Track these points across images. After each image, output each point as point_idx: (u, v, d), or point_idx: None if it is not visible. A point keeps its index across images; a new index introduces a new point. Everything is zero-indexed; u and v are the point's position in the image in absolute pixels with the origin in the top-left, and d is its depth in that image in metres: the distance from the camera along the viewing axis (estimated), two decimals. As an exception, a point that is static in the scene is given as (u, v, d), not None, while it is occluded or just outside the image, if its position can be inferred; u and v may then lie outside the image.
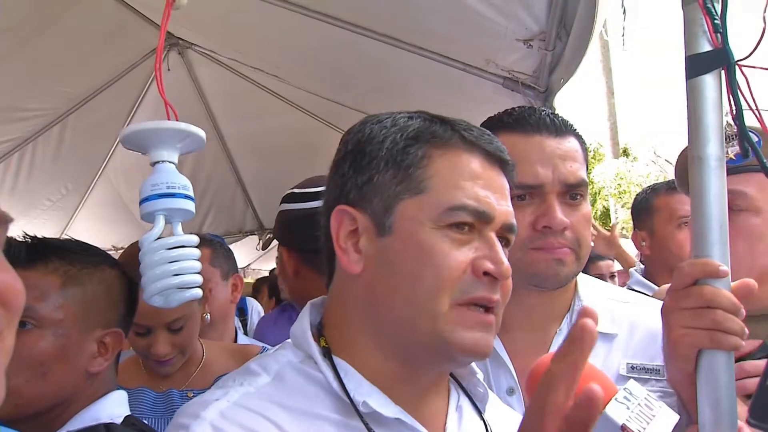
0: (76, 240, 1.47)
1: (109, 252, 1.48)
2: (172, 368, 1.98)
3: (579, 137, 1.39)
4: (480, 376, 1.08)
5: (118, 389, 1.42)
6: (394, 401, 0.95)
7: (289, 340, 1.04)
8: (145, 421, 1.94)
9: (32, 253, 1.31)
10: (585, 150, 1.40)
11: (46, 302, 1.27)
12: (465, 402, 1.07)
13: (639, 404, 0.87)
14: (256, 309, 4.38)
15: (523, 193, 1.32)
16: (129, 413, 1.37)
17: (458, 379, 1.09)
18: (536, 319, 1.40)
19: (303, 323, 1.02)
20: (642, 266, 2.96)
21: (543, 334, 1.40)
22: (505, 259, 0.95)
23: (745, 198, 1.45)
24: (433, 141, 0.98)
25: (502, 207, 0.97)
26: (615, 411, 0.85)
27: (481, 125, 1.45)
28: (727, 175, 0.97)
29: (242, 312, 4.21)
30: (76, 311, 1.30)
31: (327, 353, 0.97)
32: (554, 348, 1.37)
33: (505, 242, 0.99)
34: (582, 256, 1.34)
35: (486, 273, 0.93)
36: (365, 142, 1.00)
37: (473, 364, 1.07)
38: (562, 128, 1.36)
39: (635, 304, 1.46)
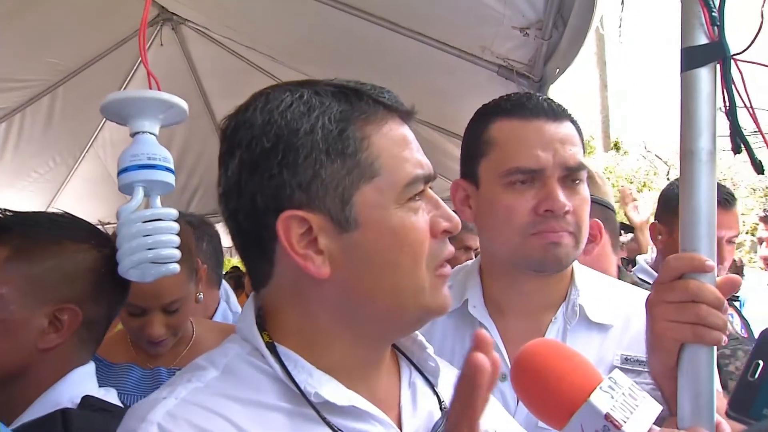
0: (58, 214, 1.40)
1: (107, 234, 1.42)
2: (164, 349, 1.95)
3: (575, 122, 1.39)
4: (430, 350, 1.07)
5: (93, 363, 1.38)
6: (349, 384, 0.93)
7: (234, 334, 1.02)
8: (132, 398, 1.91)
9: None
10: (581, 135, 1.40)
11: None
12: (417, 378, 1.06)
13: (623, 394, 0.88)
14: (224, 285, 4.40)
15: (524, 179, 1.32)
16: (93, 390, 1.32)
17: (408, 355, 1.08)
18: (532, 306, 1.40)
19: (248, 317, 0.99)
20: (653, 256, 2.92)
21: (538, 321, 1.40)
22: (451, 211, 0.97)
23: None
24: (363, 117, 0.93)
25: (426, 159, 0.98)
26: (599, 399, 0.86)
27: (477, 112, 1.45)
28: None
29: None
30: (20, 285, 1.25)
31: (271, 348, 0.94)
32: (548, 336, 1.38)
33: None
34: (581, 241, 1.35)
35: (444, 231, 0.95)
36: (289, 136, 0.90)
37: (422, 339, 1.07)
38: (559, 113, 1.36)
39: (631, 297, 1.46)
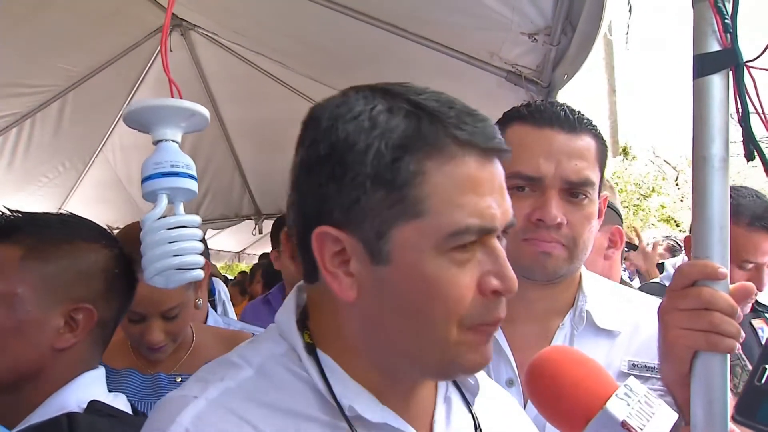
0: (66, 215, 1.41)
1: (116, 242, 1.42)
2: (163, 355, 1.96)
3: (596, 136, 1.36)
4: None
5: (103, 368, 1.38)
6: (382, 400, 0.90)
7: (272, 326, 0.98)
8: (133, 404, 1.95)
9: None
10: (602, 150, 1.37)
11: (2, 275, 1.24)
12: (454, 393, 1.03)
13: (639, 401, 0.87)
14: (223, 290, 4.42)
15: (523, 184, 1.31)
16: (101, 395, 1.32)
17: None
18: (538, 313, 1.39)
19: (288, 311, 0.96)
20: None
21: (545, 327, 1.39)
22: (510, 270, 0.88)
23: None
24: (425, 149, 0.84)
25: (503, 208, 0.88)
26: (616, 407, 0.85)
27: (502, 116, 1.41)
28: None
29: (210, 293, 4.23)
30: (35, 285, 1.26)
31: (311, 350, 0.91)
32: (555, 342, 1.36)
33: (504, 234, 0.92)
34: (576, 255, 1.33)
35: (494, 291, 0.86)
36: (343, 150, 0.85)
37: None
38: (576, 125, 1.33)
39: (639, 303, 1.45)
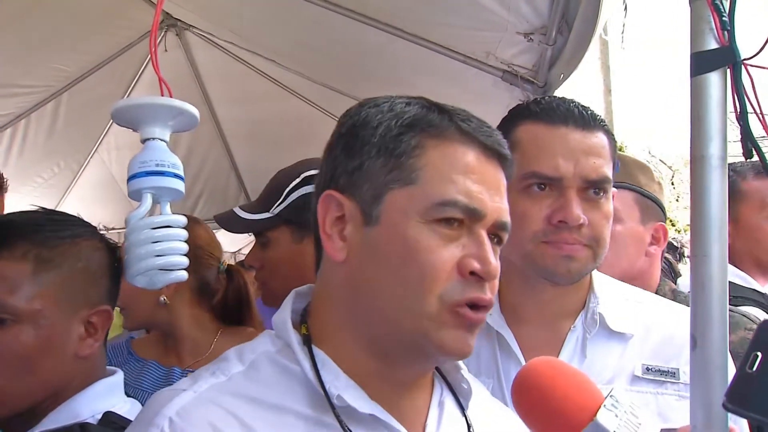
0: (44, 210, 1.35)
1: (101, 232, 1.39)
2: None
3: (608, 133, 1.35)
4: (464, 371, 1.05)
5: (121, 373, 1.36)
6: (372, 396, 0.92)
7: (268, 330, 1.01)
8: (146, 397, 1.97)
9: None
10: (613, 147, 1.35)
11: (19, 294, 1.18)
12: (448, 398, 1.04)
13: (625, 412, 0.87)
14: None
15: (541, 183, 1.29)
16: (118, 403, 1.29)
17: (443, 373, 1.06)
18: (549, 314, 1.37)
19: (284, 312, 0.99)
20: None
21: (556, 329, 1.37)
22: (493, 259, 0.91)
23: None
24: (428, 130, 0.94)
25: (496, 203, 0.94)
26: (605, 419, 0.85)
27: (508, 113, 1.41)
28: None
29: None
30: (55, 296, 1.21)
31: (307, 341, 0.94)
32: (567, 345, 1.35)
33: (497, 240, 0.96)
34: (599, 254, 1.31)
35: (472, 272, 0.90)
36: (359, 126, 0.96)
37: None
38: (590, 122, 1.32)
39: (651, 305, 1.43)
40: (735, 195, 2.42)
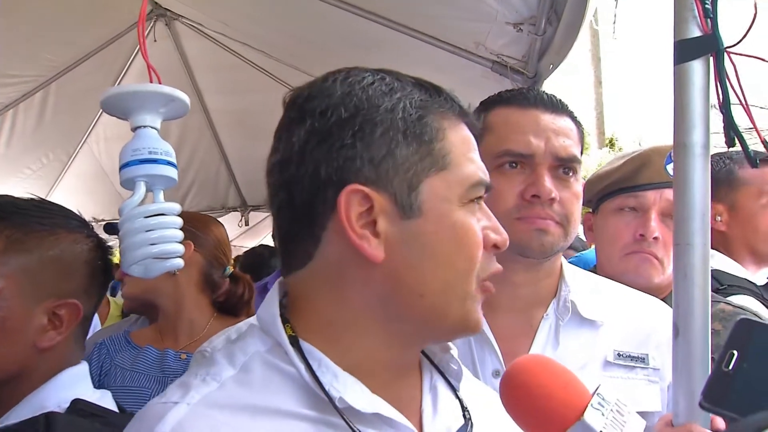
0: (37, 198, 1.31)
1: (90, 224, 1.36)
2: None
3: (575, 119, 1.40)
4: (454, 351, 1.03)
5: (86, 363, 1.32)
6: (374, 387, 0.88)
7: (253, 324, 0.96)
8: (142, 378, 2.03)
9: None
10: (581, 132, 1.41)
11: None
12: (439, 381, 1.02)
13: (612, 410, 0.87)
14: None
15: (513, 160, 1.33)
16: (86, 393, 1.25)
17: (429, 356, 1.04)
18: (522, 302, 1.39)
19: (273, 307, 0.93)
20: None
21: (529, 317, 1.39)
22: (503, 230, 0.94)
23: None
24: (440, 111, 0.92)
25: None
26: (592, 418, 0.85)
27: (480, 104, 1.45)
28: None
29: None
30: (19, 281, 1.17)
31: (294, 342, 0.88)
32: (541, 332, 1.37)
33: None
34: (569, 232, 1.35)
35: (494, 245, 0.92)
36: (369, 109, 0.87)
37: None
38: (559, 106, 1.38)
39: (619, 294, 1.47)
40: (732, 182, 2.39)
